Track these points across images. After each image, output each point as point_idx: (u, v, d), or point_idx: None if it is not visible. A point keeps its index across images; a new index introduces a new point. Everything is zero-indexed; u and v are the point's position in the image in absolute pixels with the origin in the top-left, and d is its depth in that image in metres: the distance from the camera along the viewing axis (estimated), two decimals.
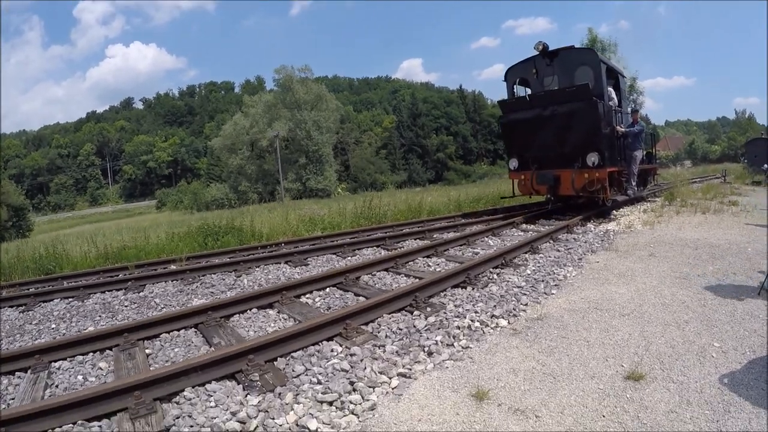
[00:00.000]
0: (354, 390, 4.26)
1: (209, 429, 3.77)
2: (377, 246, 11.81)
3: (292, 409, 3.98)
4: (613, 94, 15.05)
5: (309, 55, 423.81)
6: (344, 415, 3.92)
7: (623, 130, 14.58)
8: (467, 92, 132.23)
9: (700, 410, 3.57)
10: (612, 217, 14.05)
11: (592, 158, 13.18)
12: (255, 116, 75.37)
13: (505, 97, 15.76)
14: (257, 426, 3.80)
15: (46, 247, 13.42)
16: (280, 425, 3.78)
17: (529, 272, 8.07)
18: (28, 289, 9.76)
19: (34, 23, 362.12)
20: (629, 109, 16.81)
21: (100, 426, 4.03)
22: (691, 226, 11.20)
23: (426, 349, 5.05)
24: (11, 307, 8.76)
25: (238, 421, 3.84)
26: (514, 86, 15.62)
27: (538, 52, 14.63)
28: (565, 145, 13.82)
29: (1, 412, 3.99)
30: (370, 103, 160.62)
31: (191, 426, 3.86)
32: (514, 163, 15.60)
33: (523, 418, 3.67)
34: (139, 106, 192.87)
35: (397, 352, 5.04)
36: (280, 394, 4.29)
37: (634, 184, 15.05)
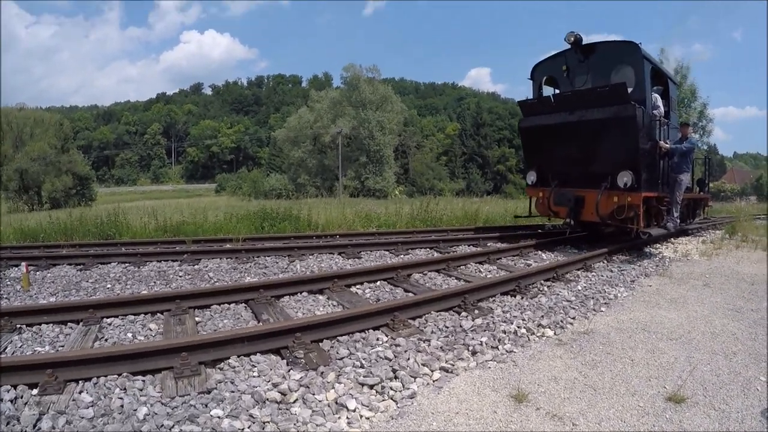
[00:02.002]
0: (396, 377, 4.31)
1: (250, 396, 3.87)
2: (430, 248, 11.78)
3: (333, 388, 4.05)
4: (659, 102, 12.43)
5: (378, 55, 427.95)
6: (383, 400, 3.98)
7: (668, 146, 11.86)
8: None
9: None
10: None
11: (625, 178, 10.84)
12: (320, 111, 75.90)
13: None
14: (297, 399, 3.89)
15: (108, 214, 13.88)
16: (320, 401, 3.86)
17: (579, 288, 7.96)
18: (88, 251, 10.15)
19: (114, 4, 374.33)
20: (678, 123, 13.86)
21: (143, 381, 4.18)
22: (750, 262, 10.63)
23: (470, 348, 5.06)
24: (70, 264, 9.17)
25: (279, 392, 3.93)
26: (541, 87, 13.47)
27: (569, 45, 12.24)
28: (592, 160, 11.68)
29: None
30: (435, 109, 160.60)
31: (232, 391, 3.97)
32: (531, 177, 13.50)
33: (560, 424, 3.65)
34: (208, 91, 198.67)
35: (441, 347, 5.06)
36: (322, 372, 4.36)
37: (676, 215, 12.21)
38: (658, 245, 12.63)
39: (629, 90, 10.83)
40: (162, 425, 3.44)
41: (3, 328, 5.39)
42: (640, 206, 10.87)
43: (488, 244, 12.46)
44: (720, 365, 4.84)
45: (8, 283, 7.92)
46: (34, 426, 3.45)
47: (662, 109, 12.45)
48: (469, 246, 12.29)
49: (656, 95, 12.37)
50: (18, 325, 5.56)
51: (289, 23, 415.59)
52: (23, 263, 8.02)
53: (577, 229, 13.30)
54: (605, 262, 10.46)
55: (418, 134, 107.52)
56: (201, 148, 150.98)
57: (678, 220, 12.40)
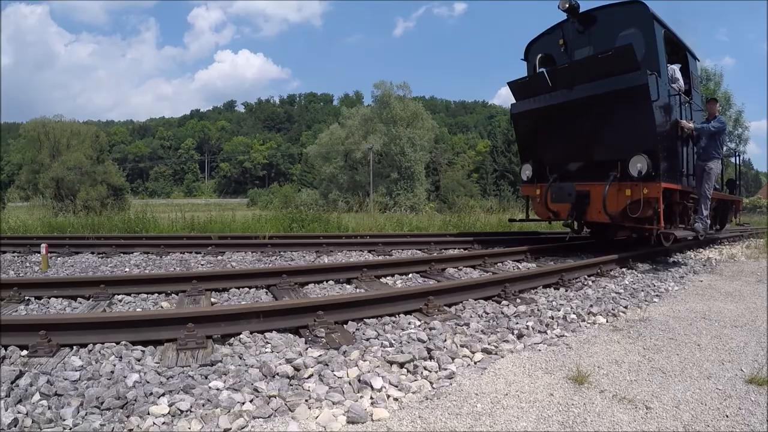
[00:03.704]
0: (431, 358, 3.75)
1: (258, 369, 3.35)
2: (465, 248, 11.17)
3: (356, 365, 3.52)
4: (678, 74, 10.06)
5: (408, 75, 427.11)
6: (415, 380, 3.41)
7: (693, 125, 9.68)
8: None
9: None
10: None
11: (639, 164, 8.72)
12: (351, 128, 75.82)
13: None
14: (312, 374, 3.37)
15: (136, 212, 13.76)
16: (339, 377, 3.33)
17: (626, 282, 7.37)
18: (112, 242, 9.85)
19: (151, 24, 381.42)
20: (702, 104, 11.42)
21: (143, 351, 3.76)
22: None
23: (515, 331, 4.48)
24: (92, 253, 8.96)
25: (292, 367, 3.41)
26: (536, 69, 11.13)
27: (565, 14, 10.21)
28: (599, 146, 9.74)
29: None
30: (466, 127, 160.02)
31: (239, 365, 3.48)
32: (527, 172, 11.34)
33: (632, 408, 3.06)
34: (241, 109, 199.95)
35: (482, 330, 4.50)
36: (345, 351, 3.84)
37: (705, 213, 9.72)
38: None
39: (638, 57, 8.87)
40: (151, 393, 2.94)
41: (11, 298, 5.12)
42: (660, 200, 8.71)
43: (525, 246, 11.23)
44: None
45: (28, 266, 7.82)
46: (12, 382, 3.04)
47: (681, 83, 10.17)
48: (505, 247, 11.53)
49: (674, 67, 10.16)
50: (26, 297, 5.29)
51: (321, 43, 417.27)
52: (43, 244, 7.85)
53: (581, 233, 11.39)
54: (649, 262, 9.56)
55: (449, 151, 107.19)
56: (234, 164, 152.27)
57: (708, 221, 10.04)
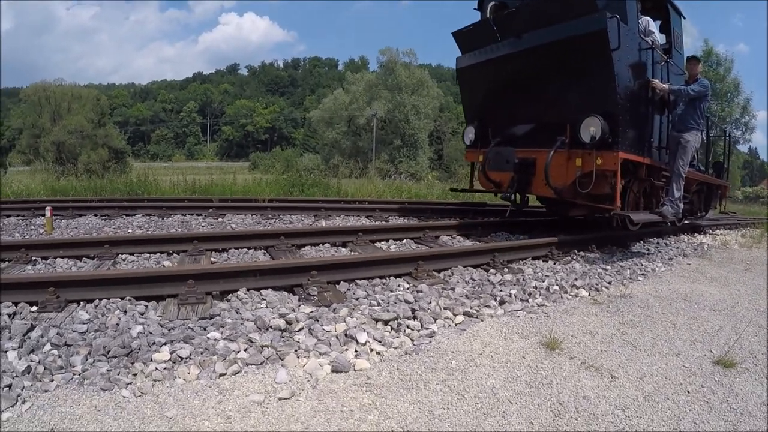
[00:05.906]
0: (414, 317, 4.03)
1: (253, 323, 3.63)
2: (461, 217, 11.25)
3: (344, 321, 3.79)
4: (653, 27, 8.75)
5: (415, 42, 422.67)
6: (398, 336, 3.70)
7: (668, 87, 8.13)
8: None
9: None
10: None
11: (591, 128, 7.18)
12: (355, 93, 75.20)
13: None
14: (303, 328, 3.65)
15: (138, 175, 13.91)
16: (327, 331, 3.62)
17: (614, 260, 7.47)
18: (114, 205, 10.02)
19: None
20: (683, 66, 9.48)
21: (146, 306, 4.00)
22: None
23: (498, 298, 4.73)
24: (96, 215, 9.11)
25: (284, 321, 3.69)
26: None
27: None
28: (546, 104, 8.26)
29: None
30: None
31: (235, 319, 3.74)
32: (470, 135, 9.83)
33: (597, 375, 3.31)
34: (244, 72, 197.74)
35: (466, 295, 4.76)
36: (335, 309, 4.09)
37: (677, 196, 8.09)
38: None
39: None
40: (153, 342, 3.23)
41: (18, 259, 5.30)
42: (617, 174, 7.27)
43: (522, 218, 11.20)
44: None
45: (33, 228, 7.94)
46: (24, 334, 3.30)
47: (657, 37, 8.87)
48: (501, 218, 11.63)
49: (648, 19, 8.66)
50: (33, 258, 5.47)
51: (329, 8, 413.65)
52: (48, 207, 7.94)
53: (524, 207, 9.98)
54: (641, 242, 9.36)
55: (453, 120, 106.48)
56: (236, 127, 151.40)
57: (680, 204, 8.29)
